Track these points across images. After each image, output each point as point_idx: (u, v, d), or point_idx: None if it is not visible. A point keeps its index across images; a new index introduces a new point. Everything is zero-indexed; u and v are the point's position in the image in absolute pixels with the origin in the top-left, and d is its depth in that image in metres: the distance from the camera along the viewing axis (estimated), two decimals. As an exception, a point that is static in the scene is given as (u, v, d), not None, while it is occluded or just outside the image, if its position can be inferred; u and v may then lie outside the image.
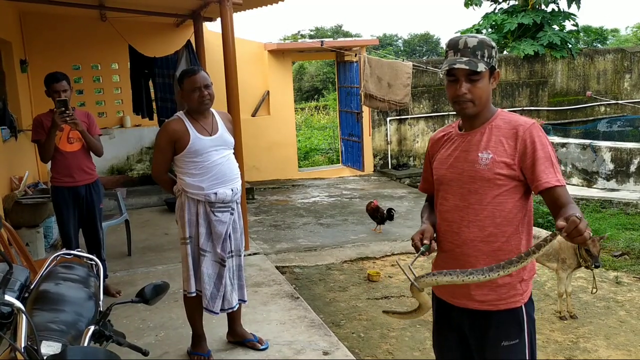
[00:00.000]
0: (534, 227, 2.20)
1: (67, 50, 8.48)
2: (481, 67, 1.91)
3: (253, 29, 62.67)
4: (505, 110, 2.10)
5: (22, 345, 1.61)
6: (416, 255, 2.00)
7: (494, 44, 2.00)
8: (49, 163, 4.43)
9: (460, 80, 1.94)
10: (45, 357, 1.65)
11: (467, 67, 1.90)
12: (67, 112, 4.00)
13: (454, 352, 2.16)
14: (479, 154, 1.98)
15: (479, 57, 1.93)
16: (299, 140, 13.60)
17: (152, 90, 7.86)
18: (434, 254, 2.16)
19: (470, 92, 1.94)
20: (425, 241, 1.99)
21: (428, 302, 1.93)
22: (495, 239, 1.98)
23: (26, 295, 2.15)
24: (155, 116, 7.86)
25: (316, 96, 25.90)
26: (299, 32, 33.44)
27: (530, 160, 1.91)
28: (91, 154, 4.41)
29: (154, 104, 7.85)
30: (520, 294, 2.01)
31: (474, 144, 2.01)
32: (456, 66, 1.91)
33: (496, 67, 2.00)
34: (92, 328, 1.85)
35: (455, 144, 2.08)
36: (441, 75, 2.02)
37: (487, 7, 20.35)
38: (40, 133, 4.21)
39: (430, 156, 2.21)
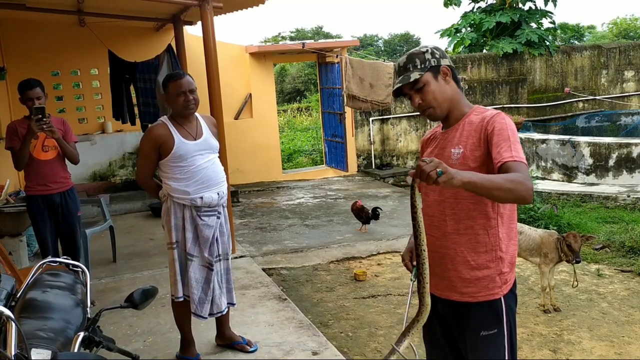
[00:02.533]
0: (517, 223, 2.25)
1: (46, 56, 8.40)
2: (414, 76, 2.04)
3: (233, 32, 62.47)
4: (488, 107, 2.16)
5: (13, 353, 1.60)
6: (409, 292, 2.14)
7: (426, 48, 2.10)
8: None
9: (410, 95, 2.09)
10: (36, 364, 1.65)
11: (401, 84, 2.06)
12: (45, 119, 3.92)
13: (440, 341, 2.24)
14: (452, 150, 2.07)
15: (410, 69, 2.06)
16: (282, 142, 13.60)
17: (133, 95, 7.81)
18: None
19: (423, 99, 2.07)
20: (414, 262, 2.06)
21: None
22: (471, 231, 2.05)
23: (13, 304, 2.14)
24: (137, 121, 7.82)
25: (298, 98, 25.91)
26: (279, 34, 33.44)
27: (490, 145, 1.98)
28: (66, 162, 4.36)
29: (135, 109, 7.81)
30: (499, 287, 2.07)
31: (449, 140, 2.11)
32: (394, 88, 2.09)
33: (440, 64, 2.07)
34: (82, 334, 1.85)
35: (437, 142, 2.18)
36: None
37: (466, 6, 20.58)
38: (15, 140, 4.13)
39: (421, 156, 2.30)
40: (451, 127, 2.12)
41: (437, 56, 2.07)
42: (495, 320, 2.07)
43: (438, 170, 1.66)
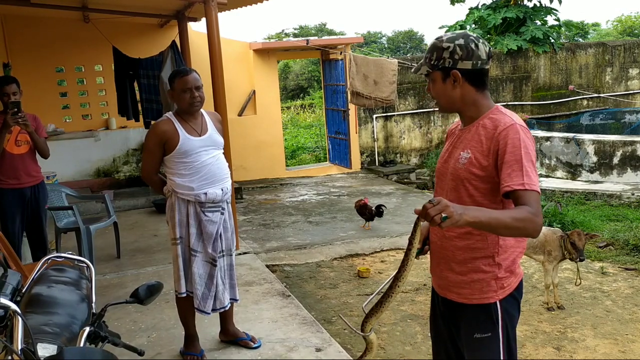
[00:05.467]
0: None
1: (50, 53, 8.40)
2: (423, 70, 2.03)
3: (237, 29, 62.47)
4: (506, 112, 2.05)
5: (19, 348, 1.61)
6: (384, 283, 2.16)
7: (449, 45, 1.94)
8: None
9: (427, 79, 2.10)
10: (42, 359, 1.66)
11: (413, 70, 2.10)
12: (20, 113, 4.08)
13: (445, 338, 2.25)
14: (461, 152, 2.02)
15: (427, 60, 2.03)
16: (286, 139, 13.60)
17: (137, 92, 7.82)
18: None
19: (431, 90, 2.07)
20: (417, 245, 2.07)
21: (374, 343, 2.14)
22: (470, 236, 2.02)
23: (18, 299, 2.15)
24: (141, 117, 7.83)
25: (302, 95, 25.89)
26: (282, 30, 33.42)
27: (500, 162, 1.90)
28: (37, 156, 4.48)
29: (139, 105, 7.81)
30: (494, 291, 2.03)
31: (462, 141, 2.06)
32: (412, 71, 2.14)
33: (454, 67, 1.95)
34: (87, 329, 1.86)
35: (454, 138, 2.14)
36: None
37: (471, 2, 20.46)
38: None
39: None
40: (466, 127, 2.06)
41: (456, 57, 1.94)
42: (489, 324, 2.04)
43: (443, 215, 1.65)
